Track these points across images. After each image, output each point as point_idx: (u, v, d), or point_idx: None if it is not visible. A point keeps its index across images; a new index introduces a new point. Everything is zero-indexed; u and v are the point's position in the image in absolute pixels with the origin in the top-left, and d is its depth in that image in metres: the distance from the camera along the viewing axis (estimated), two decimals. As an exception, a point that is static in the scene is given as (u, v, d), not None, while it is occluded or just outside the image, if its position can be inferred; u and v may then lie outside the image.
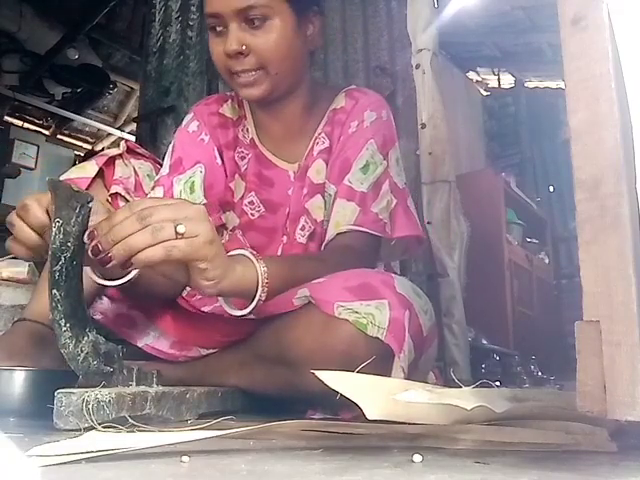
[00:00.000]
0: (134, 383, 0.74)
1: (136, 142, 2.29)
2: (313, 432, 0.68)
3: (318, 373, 0.56)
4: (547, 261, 4.08)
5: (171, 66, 2.66)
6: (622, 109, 0.49)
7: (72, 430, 0.62)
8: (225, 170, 1.16)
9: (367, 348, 0.80)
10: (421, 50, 1.99)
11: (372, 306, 0.82)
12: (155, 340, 1.05)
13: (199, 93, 2.53)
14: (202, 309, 1.09)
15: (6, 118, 4.97)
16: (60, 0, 3.96)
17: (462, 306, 1.95)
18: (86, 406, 0.63)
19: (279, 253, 1.13)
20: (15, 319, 1.01)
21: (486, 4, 3.50)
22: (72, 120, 5.25)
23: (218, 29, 1.03)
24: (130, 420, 0.64)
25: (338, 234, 1.04)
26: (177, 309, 1.08)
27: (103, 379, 0.70)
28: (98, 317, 1.06)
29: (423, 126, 1.97)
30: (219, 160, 1.16)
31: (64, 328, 0.67)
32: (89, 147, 5.75)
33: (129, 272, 0.72)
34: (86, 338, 0.70)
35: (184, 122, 1.19)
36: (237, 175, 1.18)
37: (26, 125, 5.24)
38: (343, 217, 1.05)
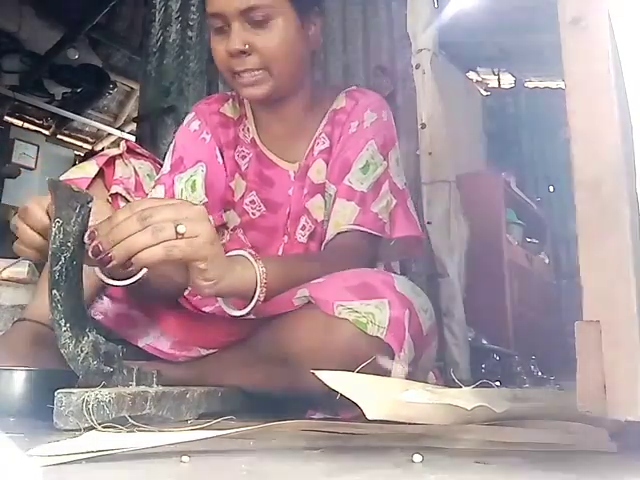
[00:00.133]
0: (134, 383, 0.74)
1: (136, 142, 2.29)
2: (313, 432, 0.68)
3: (318, 373, 0.56)
4: (547, 261, 4.08)
5: (171, 66, 2.65)
6: (622, 109, 0.49)
7: (72, 430, 0.62)
8: (226, 169, 1.17)
9: (367, 347, 0.80)
10: (421, 50, 1.99)
11: (372, 305, 0.82)
12: (155, 340, 1.05)
13: (199, 93, 2.53)
14: (203, 309, 1.09)
15: (6, 118, 4.96)
16: (60, 0, 3.96)
17: (462, 306, 1.95)
18: (86, 406, 0.63)
19: (280, 253, 1.13)
20: (15, 319, 1.02)
21: (486, 4, 3.49)
22: (72, 120, 5.24)
23: (218, 26, 1.03)
24: (130, 420, 0.64)
25: (338, 234, 1.04)
26: (178, 309, 1.08)
27: (103, 379, 0.70)
28: (98, 317, 1.06)
29: (423, 126, 1.97)
30: (220, 159, 1.16)
31: (64, 328, 0.67)
32: (89, 147, 5.75)
33: (134, 272, 0.72)
34: (86, 338, 0.70)
35: (185, 121, 1.19)
36: (238, 174, 1.18)
37: (26, 125, 5.23)
38: (343, 217, 1.05)
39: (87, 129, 5.61)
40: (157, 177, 1.12)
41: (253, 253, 0.86)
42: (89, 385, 0.68)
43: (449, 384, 1.18)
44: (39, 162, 5.12)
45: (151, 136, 2.60)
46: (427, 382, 0.98)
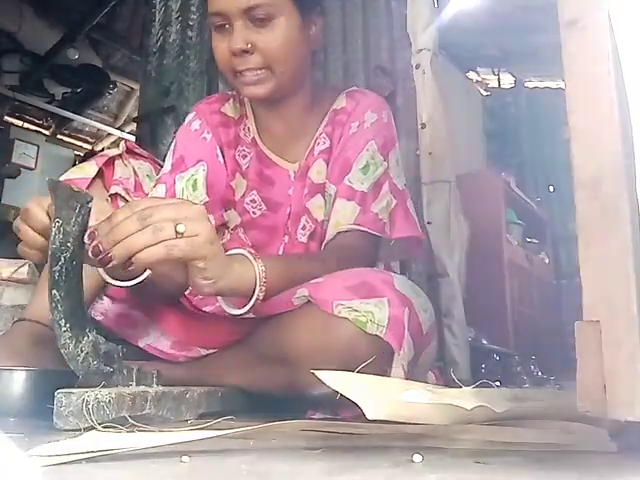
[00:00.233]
0: (134, 383, 0.74)
1: (136, 142, 2.29)
2: (313, 432, 0.68)
3: (318, 373, 0.56)
4: (547, 261, 4.08)
5: (171, 66, 2.65)
6: (622, 109, 0.49)
7: (72, 430, 0.62)
8: (227, 168, 1.17)
9: (367, 346, 0.80)
10: (421, 50, 1.99)
11: (371, 304, 0.83)
12: (155, 340, 1.05)
13: (199, 93, 2.53)
14: (203, 309, 1.09)
15: (6, 118, 4.96)
16: (60, 0, 3.96)
17: (462, 306, 1.95)
18: (86, 406, 0.63)
19: (280, 252, 1.13)
20: (15, 319, 1.02)
21: (486, 4, 3.50)
22: (72, 120, 5.24)
23: (219, 24, 1.03)
24: (130, 420, 0.64)
25: (338, 233, 1.04)
26: (178, 309, 1.08)
27: (103, 379, 0.70)
28: (98, 317, 1.06)
29: (423, 126, 1.97)
30: (221, 159, 1.16)
31: (64, 328, 0.67)
32: (89, 147, 5.75)
33: (135, 272, 0.72)
34: (86, 338, 0.70)
35: (186, 120, 1.19)
36: (238, 174, 1.18)
37: (26, 125, 5.23)
38: (343, 216, 1.05)
39: (87, 129, 5.61)
40: (158, 176, 1.12)
41: (252, 252, 0.86)
42: (89, 385, 0.68)
43: (449, 384, 1.18)
44: (39, 162, 5.11)
45: (151, 136, 2.60)
46: (427, 382, 0.98)
